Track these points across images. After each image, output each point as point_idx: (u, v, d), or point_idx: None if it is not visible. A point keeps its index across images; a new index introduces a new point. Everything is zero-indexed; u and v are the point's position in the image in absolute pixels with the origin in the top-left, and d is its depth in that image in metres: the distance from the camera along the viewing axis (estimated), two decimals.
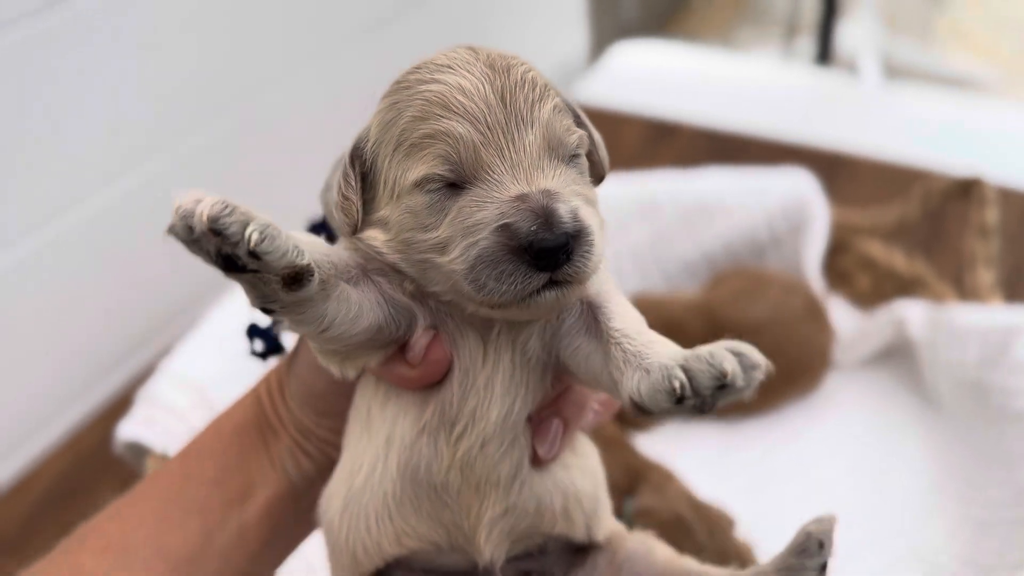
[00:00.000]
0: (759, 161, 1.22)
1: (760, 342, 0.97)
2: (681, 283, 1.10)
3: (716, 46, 3.05)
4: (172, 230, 0.41)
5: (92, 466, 0.96)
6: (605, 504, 0.57)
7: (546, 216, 0.42)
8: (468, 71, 0.45)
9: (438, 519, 0.51)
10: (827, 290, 1.10)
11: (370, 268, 0.48)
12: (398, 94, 0.47)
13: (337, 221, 0.48)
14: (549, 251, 0.42)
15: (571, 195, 0.44)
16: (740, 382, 0.43)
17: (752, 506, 0.88)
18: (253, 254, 0.41)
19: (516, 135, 0.44)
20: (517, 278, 0.43)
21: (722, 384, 0.42)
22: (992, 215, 0.99)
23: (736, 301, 0.98)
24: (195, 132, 1.09)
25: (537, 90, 0.46)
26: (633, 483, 0.79)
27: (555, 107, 0.46)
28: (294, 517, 0.61)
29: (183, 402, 0.84)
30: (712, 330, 0.95)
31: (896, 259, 1.07)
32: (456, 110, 0.44)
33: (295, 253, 0.42)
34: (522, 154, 0.44)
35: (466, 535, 0.51)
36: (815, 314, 0.99)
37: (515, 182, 0.43)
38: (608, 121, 1.59)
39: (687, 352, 0.44)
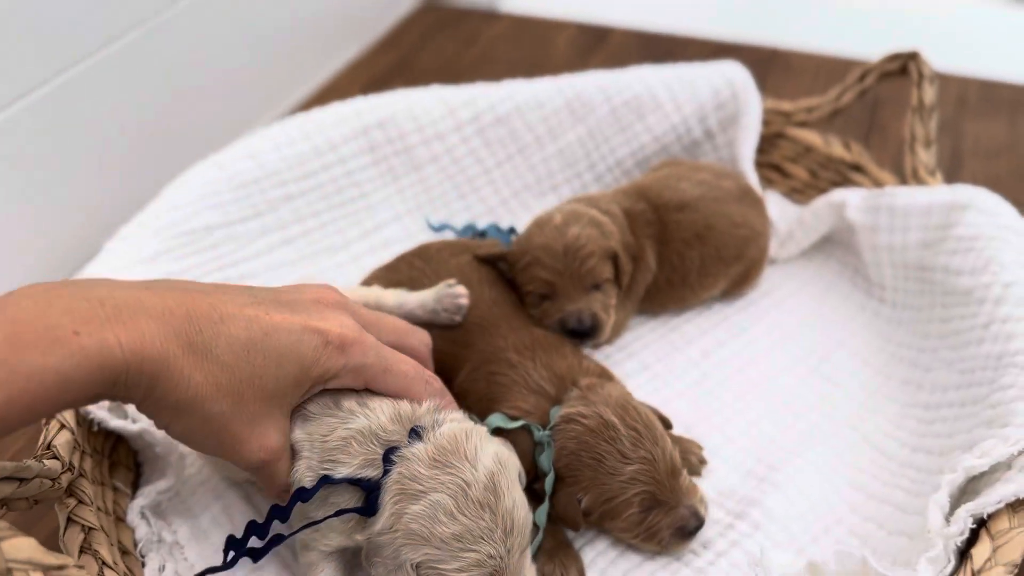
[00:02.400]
0: (694, 60, 1.17)
1: (692, 218, 0.95)
2: (613, 183, 1.06)
3: None
4: None
5: None
6: None
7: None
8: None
9: None
10: (762, 184, 1.06)
11: None
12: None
13: None
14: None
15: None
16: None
17: (697, 404, 0.85)
18: None
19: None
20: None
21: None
22: (930, 93, 0.95)
23: (669, 182, 0.94)
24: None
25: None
26: (560, 391, 0.76)
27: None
28: None
29: None
30: (654, 209, 0.92)
31: (833, 146, 1.04)
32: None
33: None
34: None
35: None
36: (748, 197, 0.95)
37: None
38: (539, 28, 1.54)
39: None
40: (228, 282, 0.74)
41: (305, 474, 0.64)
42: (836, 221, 0.95)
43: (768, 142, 1.07)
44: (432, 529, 0.60)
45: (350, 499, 0.63)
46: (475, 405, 0.77)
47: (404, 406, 0.65)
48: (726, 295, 0.96)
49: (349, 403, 0.65)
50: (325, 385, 0.64)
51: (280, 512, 0.62)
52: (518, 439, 0.74)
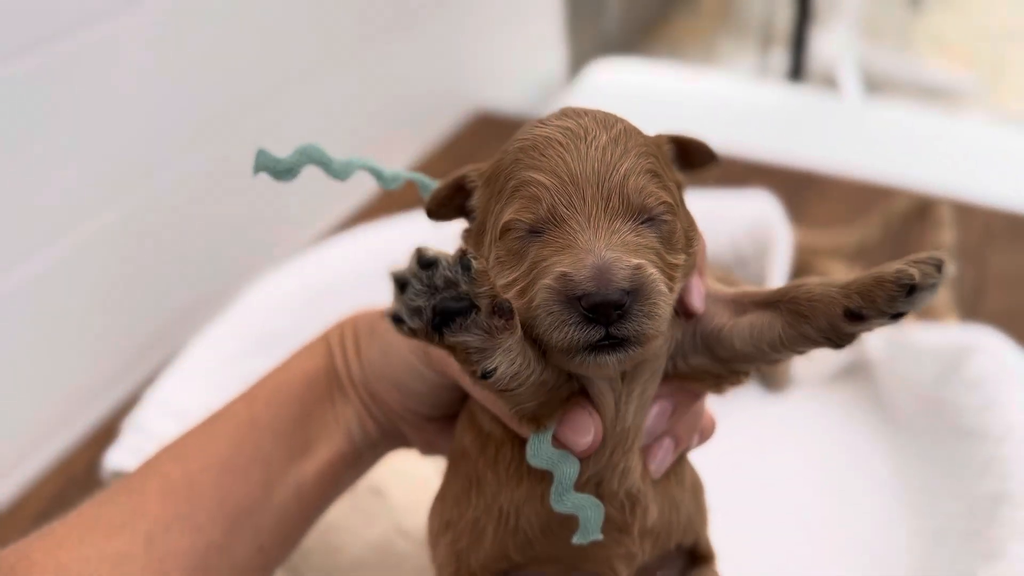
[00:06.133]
0: (731, 181, 1.25)
1: None
2: None
3: (697, 58, 3.09)
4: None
5: (81, 490, 0.99)
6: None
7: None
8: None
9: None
10: None
11: None
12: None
13: None
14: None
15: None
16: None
17: (722, 518, 0.91)
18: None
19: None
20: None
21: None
22: (949, 236, 1.02)
23: None
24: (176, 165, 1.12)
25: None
26: None
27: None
28: (348, 478, 0.61)
29: (171, 431, 0.86)
30: None
31: None
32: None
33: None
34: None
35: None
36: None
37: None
38: None
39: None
40: None
41: None
42: (857, 354, 1.02)
43: (798, 273, 1.15)
44: None
45: None
46: None
47: None
48: None
49: None
50: None
51: None
52: None
